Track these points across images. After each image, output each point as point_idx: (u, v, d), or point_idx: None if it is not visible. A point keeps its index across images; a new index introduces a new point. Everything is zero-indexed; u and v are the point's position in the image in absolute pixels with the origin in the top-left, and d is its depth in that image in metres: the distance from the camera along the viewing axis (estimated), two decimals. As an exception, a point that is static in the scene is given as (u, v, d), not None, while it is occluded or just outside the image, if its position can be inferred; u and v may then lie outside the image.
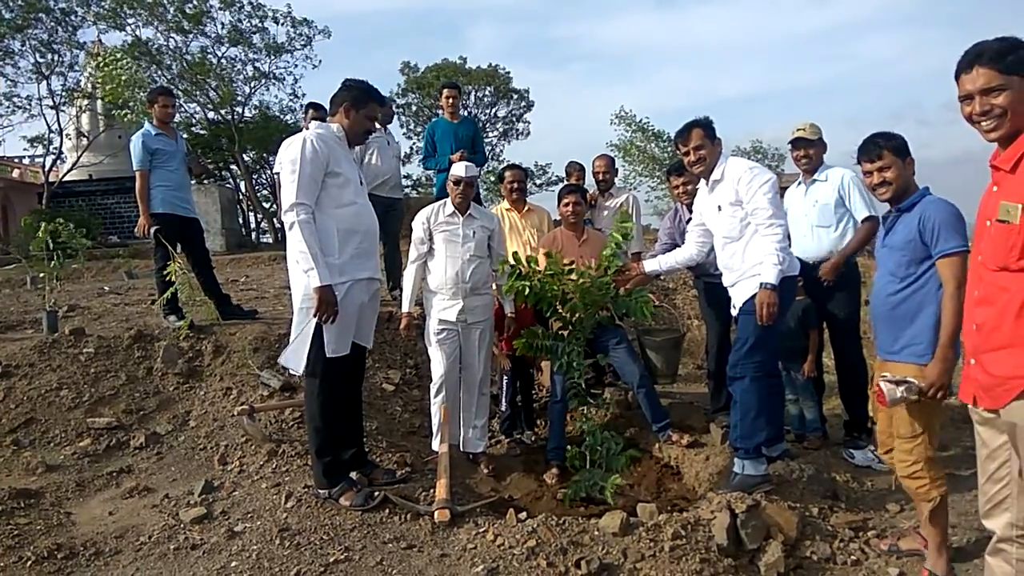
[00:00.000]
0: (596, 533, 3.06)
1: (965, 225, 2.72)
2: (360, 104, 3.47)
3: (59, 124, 20.31)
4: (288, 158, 3.25)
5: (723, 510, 3.07)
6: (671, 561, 2.86)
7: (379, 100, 3.60)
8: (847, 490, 3.76)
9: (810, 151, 4.19)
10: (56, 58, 19.57)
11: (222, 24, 21.03)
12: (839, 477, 3.87)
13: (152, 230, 5.14)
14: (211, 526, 3.31)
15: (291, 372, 4.51)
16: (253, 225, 25.97)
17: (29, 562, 3.01)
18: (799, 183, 4.30)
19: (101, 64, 15.39)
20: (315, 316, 3.21)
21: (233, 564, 2.97)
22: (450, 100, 6.44)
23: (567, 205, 4.75)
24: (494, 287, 4.40)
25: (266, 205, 24.25)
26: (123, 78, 14.59)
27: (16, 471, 3.98)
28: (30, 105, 19.93)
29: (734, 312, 3.69)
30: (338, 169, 3.33)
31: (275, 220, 22.35)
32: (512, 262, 4.07)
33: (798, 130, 4.21)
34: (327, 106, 3.66)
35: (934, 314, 2.72)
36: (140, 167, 5.16)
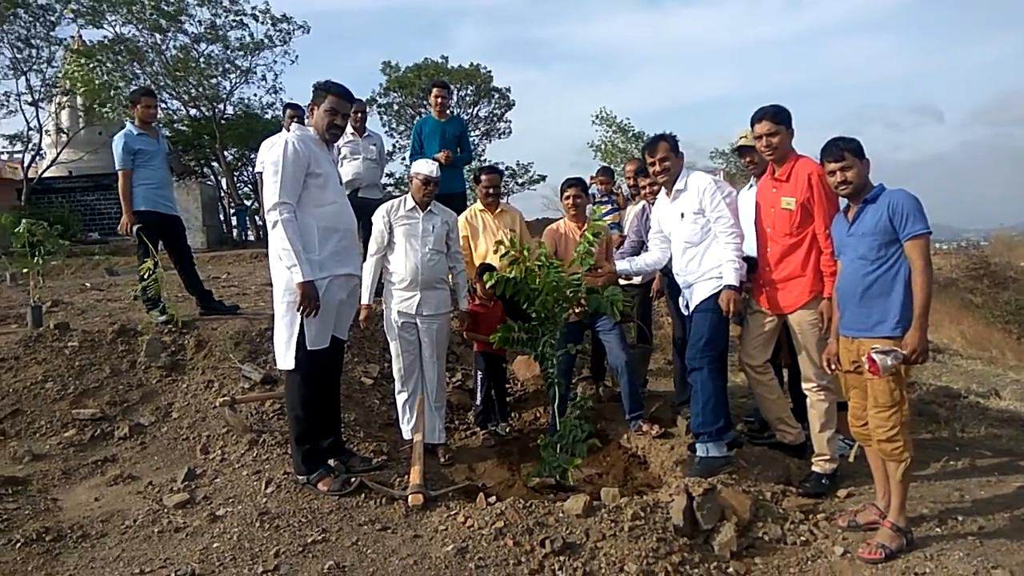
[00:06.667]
0: (561, 515, 3.24)
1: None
2: (319, 100, 3.58)
3: (38, 120, 20.15)
4: (270, 159, 3.40)
5: (680, 493, 3.26)
6: (630, 540, 3.05)
7: (337, 92, 3.57)
8: (799, 476, 3.97)
9: (756, 156, 4.33)
10: (34, 54, 19.42)
11: (200, 21, 20.95)
12: (792, 464, 4.08)
13: (134, 228, 5.24)
14: (194, 510, 3.45)
15: (273, 365, 4.67)
16: (234, 223, 25.88)
17: (18, 544, 3.13)
18: (750, 186, 4.42)
19: (70, 67, 15.29)
20: (298, 310, 3.37)
21: (215, 545, 3.11)
22: (439, 99, 6.47)
23: (568, 198, 4.95)
24: (450, 279, 4.55)
25: (247, 203, 24.18)
26: (97, 82, 14.60)
27: (2, 460, 4.09)
28: (8, 101, 19.78)
29: (686, 312, 4.06)
30: (319, 170, 3.48)
31: (256, 218, 22.28)
32: (507, 244, 4.15)
33: (741, 137, 4.35)
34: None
35: (903, 291, 3.02)
36: (123, 167, 5.26)
